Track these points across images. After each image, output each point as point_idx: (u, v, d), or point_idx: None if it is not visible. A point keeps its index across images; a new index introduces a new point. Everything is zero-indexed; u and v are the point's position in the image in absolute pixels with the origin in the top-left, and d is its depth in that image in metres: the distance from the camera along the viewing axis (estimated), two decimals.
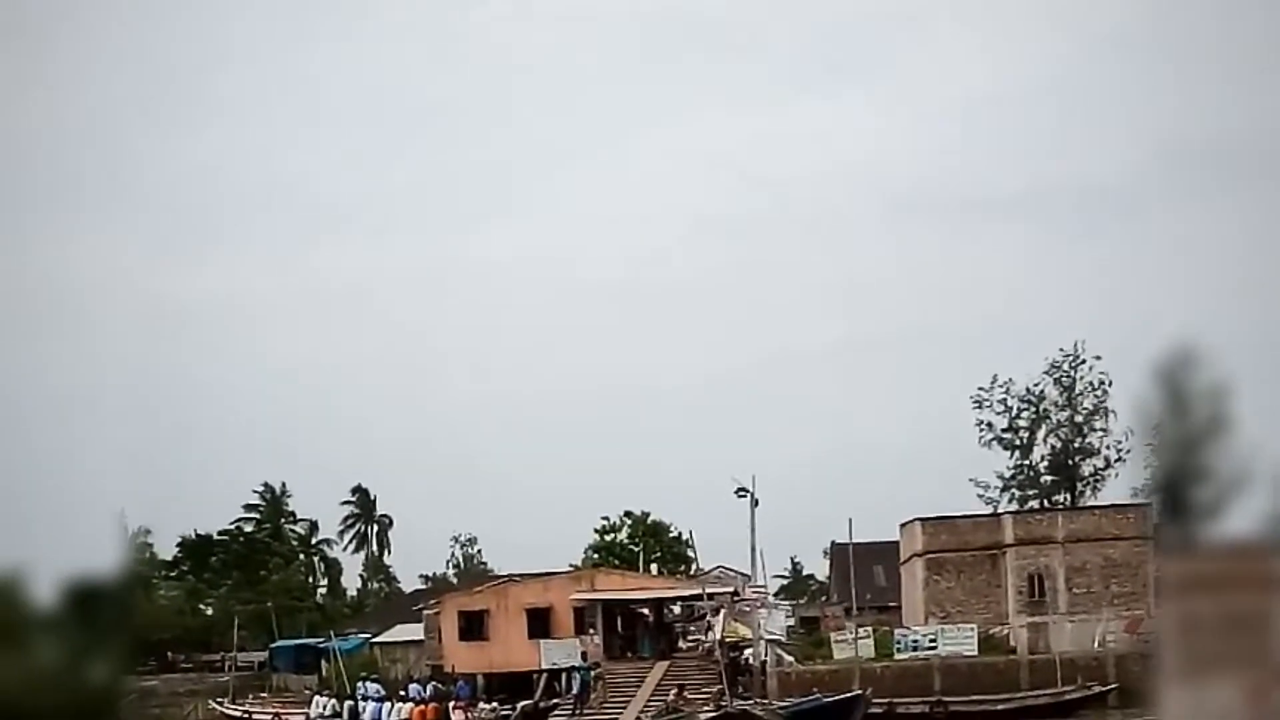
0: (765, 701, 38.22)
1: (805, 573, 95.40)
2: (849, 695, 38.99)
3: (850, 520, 45.18)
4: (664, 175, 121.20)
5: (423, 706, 47.16)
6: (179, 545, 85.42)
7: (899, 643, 45.33)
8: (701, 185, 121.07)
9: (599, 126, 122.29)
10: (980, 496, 68.39)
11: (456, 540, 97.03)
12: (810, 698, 38.92)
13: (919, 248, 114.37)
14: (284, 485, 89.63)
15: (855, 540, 76.58)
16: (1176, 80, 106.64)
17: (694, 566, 43.49)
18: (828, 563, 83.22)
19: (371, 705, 48.05)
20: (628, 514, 75.88)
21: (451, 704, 46.90)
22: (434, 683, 50.38)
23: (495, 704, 46.47)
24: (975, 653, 44.77)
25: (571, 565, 64.86)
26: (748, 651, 43.82)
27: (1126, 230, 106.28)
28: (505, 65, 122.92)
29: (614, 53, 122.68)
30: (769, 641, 42.59)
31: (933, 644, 44.57)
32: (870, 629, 47.06)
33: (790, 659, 43.84)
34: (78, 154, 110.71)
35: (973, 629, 46.53)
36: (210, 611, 79.90)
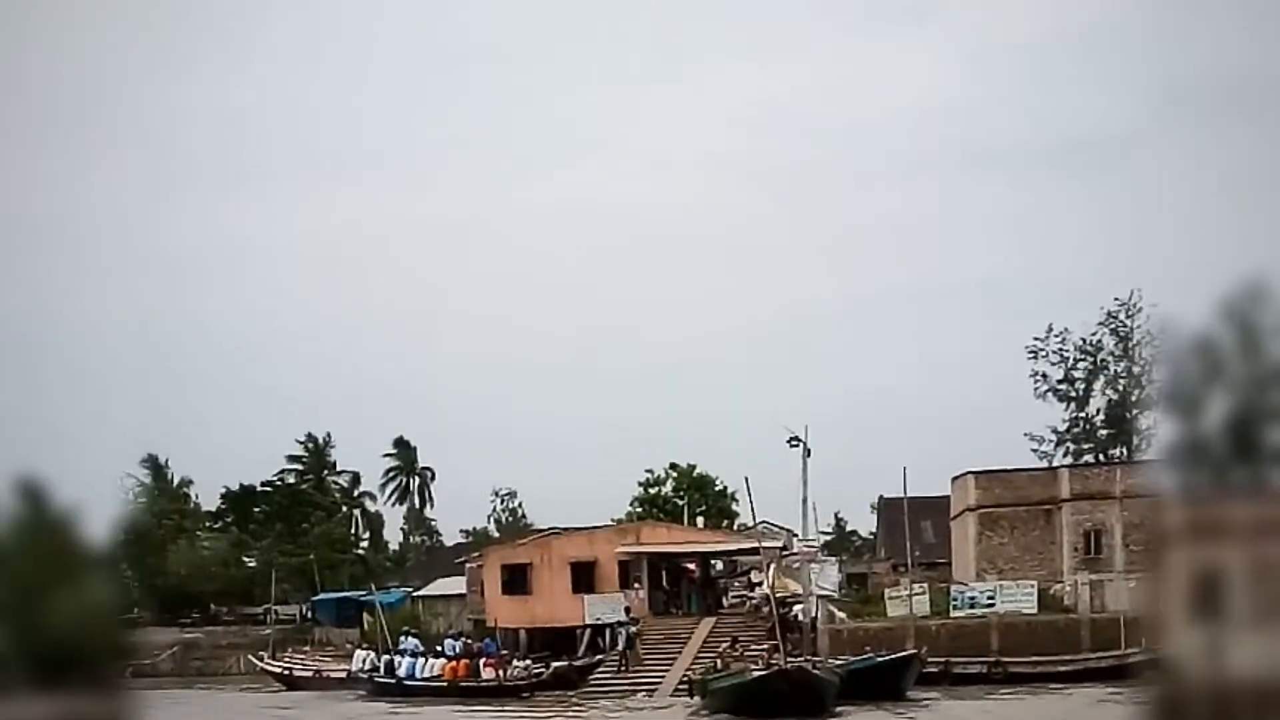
0: (817, 659, 37.10)
1: (849, 529, 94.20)
2: (903, 654, 37.89)
3: (905, 470, 43.84)
4: (715, 120, 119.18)
5: (454, 662, 46.59)
6: (222, 496, 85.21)
7: (955, 599, 44.06)
8: (751, 131, 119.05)
9: (646, 70, 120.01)
10: (1034, 451, 66.83)
11: (497, 494, 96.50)
12: (863, 656, 37.83)
13: (972, 197, 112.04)
14: (328, 436, 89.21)
15: (901, 496, 75.59)
16: (1242, 14, 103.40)
17: (749, 515, 42.35)
18: (875, 518, 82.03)
19: (407, 660, 47.54)
20: (673, 466, 74.83)
21: (482, 660, 46.26)
22: (465, 639, 49.77)
23: (528, 661, 45.73)
24: (1035, 611, 43.42)
25: (614, 520, 63.89)
26: (796, 608, 42.71)
27: (1189, 175, 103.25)
28: (549, 5, 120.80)
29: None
30: (820, 597, 41.47)
31: (990, 601, 43.27)
32: (925, 585, 45.77)
33: (842, 616, 42.70)
34: (104, 94, 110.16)
35: (1033, 586, 45.16)
36: (253, 564, 79.58)
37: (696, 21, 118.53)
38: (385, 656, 48.49)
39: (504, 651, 47.82)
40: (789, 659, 34.27)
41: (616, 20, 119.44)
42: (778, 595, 39.94)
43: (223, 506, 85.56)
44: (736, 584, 54.74)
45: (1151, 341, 65.85)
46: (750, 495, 39.51)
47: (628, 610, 46.65)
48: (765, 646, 37.11)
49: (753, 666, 35.16)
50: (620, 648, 44.13)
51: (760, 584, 46.09)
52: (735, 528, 67.27)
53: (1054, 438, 67.56)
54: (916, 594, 43.68)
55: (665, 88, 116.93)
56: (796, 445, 39.24)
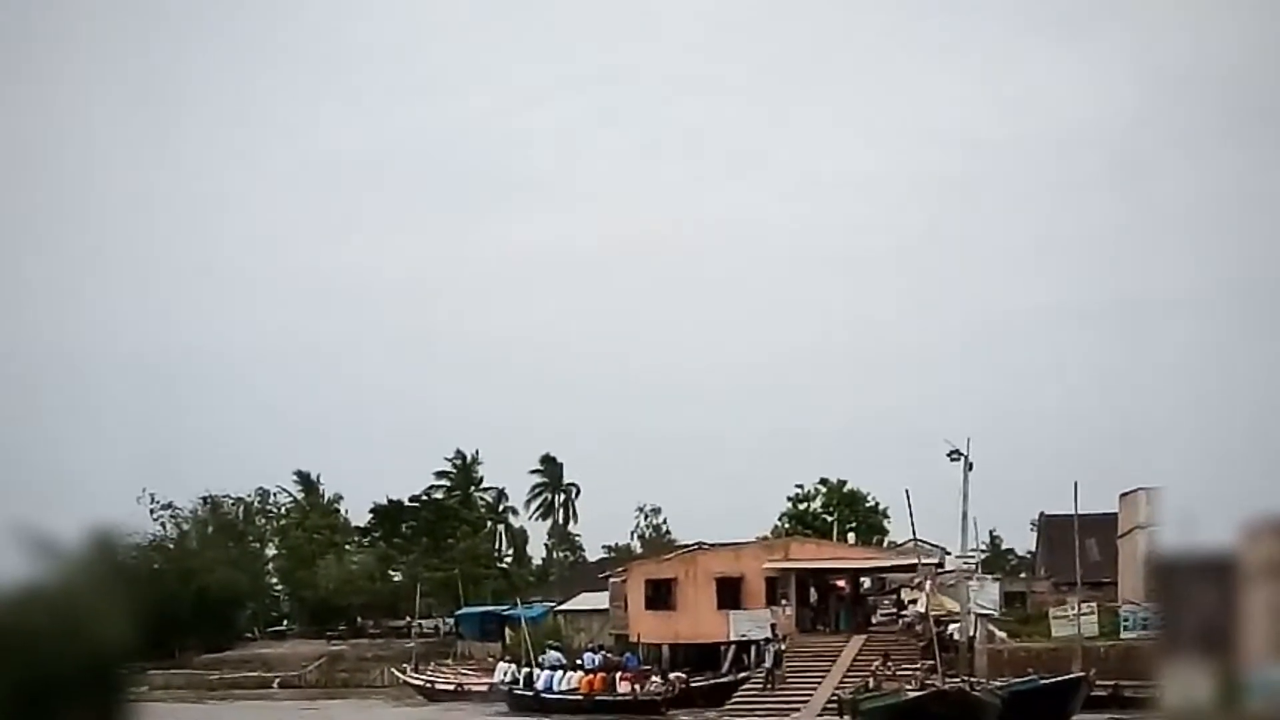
0: (976, 680, 34.91)
1: (1004, 547, 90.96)
2: (1070, 677, 35.47)
3: (1076, 485, 41.39)
4: (880, 136, 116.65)
5: (591, 675, 45.51)
6: (371, 511, 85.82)
7: (1126, 620, 41.34)
8: (917, 146, 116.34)
9: (807, 86, 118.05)
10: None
11: (641, 510, 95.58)
12: (1026, 678, 35.52)
13: (1137, 212, 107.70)
14: (476, 453, 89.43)
15: (1064, 513, 72.33)
16: None
17: (910, 529, 40.27)
18: (1034, 535, 78.91)
19: (545, 673, 46.62)
20: (823, 482, 72.93)
21: (619, 674, 45.07)
22: (605, 652, 48.67)
23: (661, 678, 44.42)
24: None
25: (759, 537, 62.24)
26: (952, 627, 40.52)
27: None
28: (699, 12, 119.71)
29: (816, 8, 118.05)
30: (979, 616, 39.23)
31: None
32: (1093, 605, 43.09)
33: (1002, 635, 40.36)
34: (246, 125, 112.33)
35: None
36: (399, 578, 79.88)
37: (843, 38, 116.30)
38: (525, 670, 47.60)
39: (646, 666, 46.59)
40: (946, 679, 32.21)
41: (764, 38, 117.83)
42: (933, 613, 37.83)
43: (371, 521, 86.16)
44: (886, 602, 52.70)
45: None
46: (911, 509, 37.55)
47: (774, 627, 44.99)
48: (920, 666, 35.09)
49: (907, 686, 33.21)
50: (766, 665, 42.45)
51: (915, 601, 43.97)
52: (884, 545, 65.08)
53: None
54: (1085, 614, 41.06)
55: (812, 107, 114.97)
56: (957, 459, 37.28)
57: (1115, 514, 57.31)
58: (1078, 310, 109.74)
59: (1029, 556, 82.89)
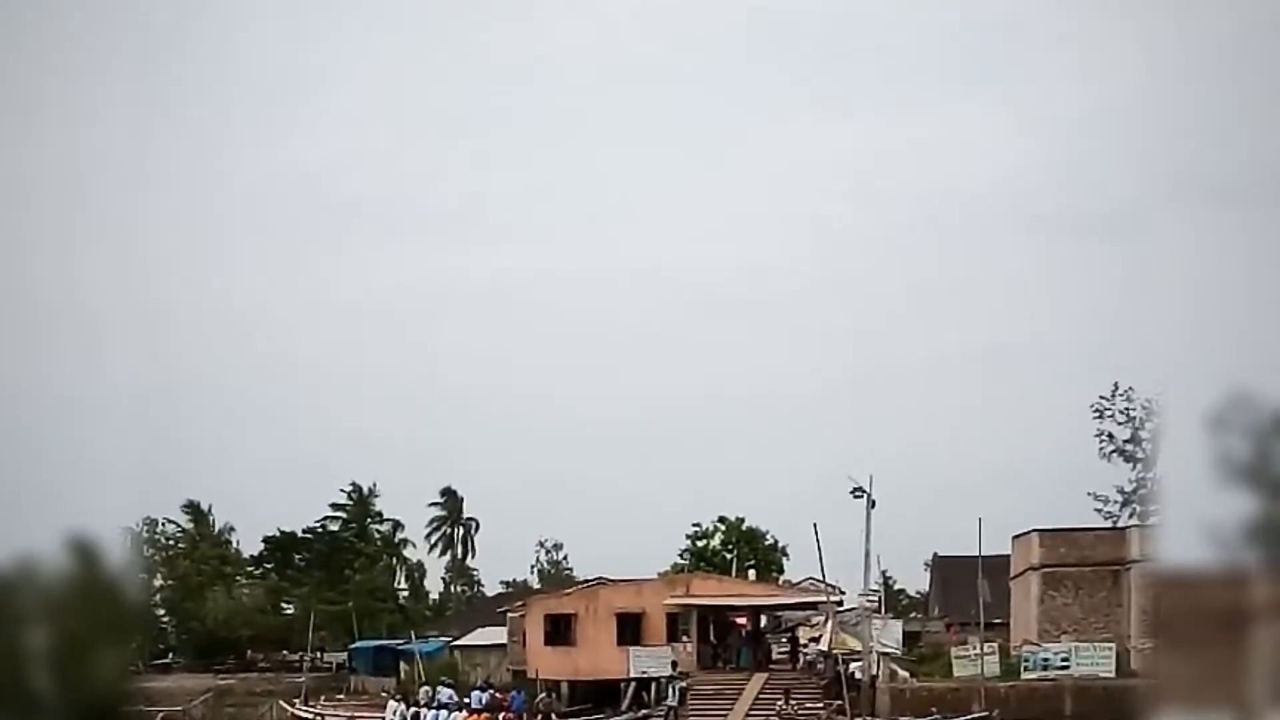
0: (878, 719, 35.11)
1: (897, 587, 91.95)
2: (973, 716, 35.86)
3: (980, 521, 41.94)
4: (780, 183, 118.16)
5: (476, 715, 44.62)
6: (264, 542, 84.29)
7: (1027, 660, 41.82)
8: (817, 195, 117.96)
9: (710, 132, 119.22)
10: (1099, 511, 64.42)
11: (542, 545, 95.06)
12: (929, 717, 35.78)
13: (1035, 261, 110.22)
14: (373, 485, 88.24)
15: (958, 554, 73.24)
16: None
17: (819, 565, 40.36)
18: (927, 576, 79.88)
19: (432, 712, 45.57)
20: (721, 519, 73.14)
21: (503, 714, 44.27)
22: (493, 691, 47.97)
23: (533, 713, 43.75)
24: (1113, 674, 41.07)
25: (659, 573, 62.21)
26: (853, 665, 40.68)
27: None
28: (617, 65, 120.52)
29: (724, 55, 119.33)
30: (882, 655, 39.46)
31: (1065, 663, 41.01)
32: (995, 645, 43.55)
33: (905, 674, 40.63)
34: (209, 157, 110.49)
35: (1110, 648, 42.83)
36: (292, 610, 78.43)
37: (782, 84, 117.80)
38: (412, 710, 46.70)
39: (544, 698, 45.94)
40: (854, 718, 32.35)
41: (664, 86, 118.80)
42: (835, 651, 37.98)
43: (264, 552, 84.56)
44: (783, 639, 52.86)
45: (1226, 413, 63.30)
46: (819, 544, 37.66)
47: (674, 664, 44.82)
48: (824, 705, 35.17)
49: None
50: (668, 702, 42.25)
51: (815, 640, 44.11)
52: (781, 582, 65.43)
53: (1119, 498, 65.18)
54: (987, 654, 41.50)
55: (743, 151, 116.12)
56: (860, 496, 37.58)
57: (1007, 555, 58.21)
58: (959, 355, 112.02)
59: (919, 596, 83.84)
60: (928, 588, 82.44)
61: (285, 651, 72.78)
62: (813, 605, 43.86)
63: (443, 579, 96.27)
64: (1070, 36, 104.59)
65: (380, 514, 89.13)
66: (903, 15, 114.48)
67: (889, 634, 41.44)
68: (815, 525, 38.01)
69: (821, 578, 44.02)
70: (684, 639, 47.19)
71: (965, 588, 73.81)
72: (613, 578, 57.11)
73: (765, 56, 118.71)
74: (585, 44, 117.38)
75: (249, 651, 75.59)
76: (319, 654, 68.42)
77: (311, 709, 54.67)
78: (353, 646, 67.76)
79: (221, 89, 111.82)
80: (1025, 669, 41.46)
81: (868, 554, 37.78)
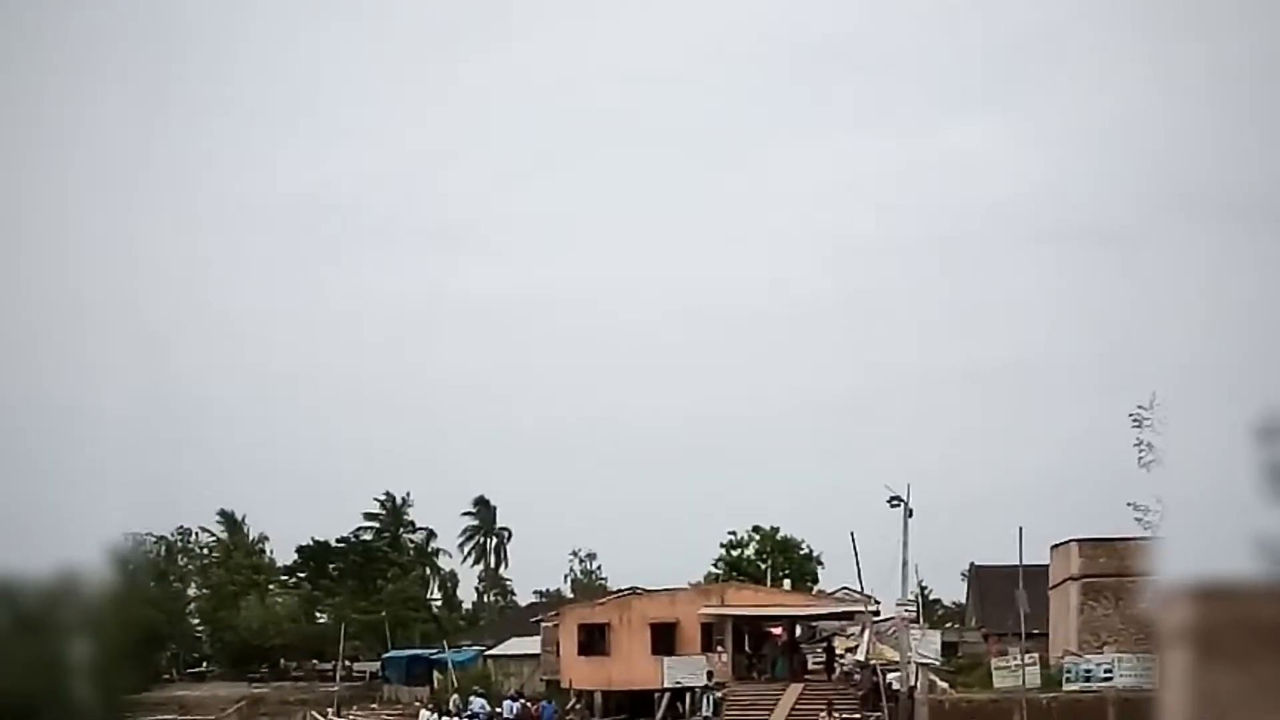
0: None
1: (932, 597, 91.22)
2: None
3: (1020, 531, 41.59)
4: (799, 198, 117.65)
5: None
6: (297, 552, 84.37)
7: (1069, 672, 41.21)
8: (836, 209, 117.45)
9: (728, 149, 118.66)
10: (1139, 520, 63.51)
11: (576, 555, 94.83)
12: None
13: (1055, 275, 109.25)
14: (407, 495, 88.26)
15: (995, 564, 72.50)
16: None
17: (856, 575, 39.85)
18: (965, 585, 79.10)
19: None
20: (756, 529, 72.67)
21: None
22: (524, 700, 47.69)
23: None
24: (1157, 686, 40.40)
25: (692, 583, 61.82)
26: (891, 676, 40.17)
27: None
28: (635, 77, 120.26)
29: (745, 73, 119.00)
30: (920, 665, 38.94)
31: (1108, 675, 40.34)
32: (1036, 656, 42.93)
33: (944, 685, 40.08)
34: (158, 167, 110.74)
35: (1156, 659, 42.17)
36: (325, 619, 78.45)
37: (771, 103, 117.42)
38: (444, 718, 46.52)
39: (575, 705, 45.68)
40: None
41: (686, 95, 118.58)
42: (874, 662, 37.50)
43: (297, 562, 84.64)
44: (819, 649, 52.36)
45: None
46: (857, 552, 37.24)
47: (710, 674, 44.42)
48: (862, 716, 34.69)
49: None
50: (703, 713, 41.86)
51: (852, 650, 43.61)
52: (815, 592, 64.91)
53: (1159, 507, 64.35)
54: (1028, 664, 40.86)
55: (739, 170, 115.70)
56: (898, 505, 37.20)
57: (1046, 565, 57.52)
58: (990, 367, 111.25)
59: (955, 607, 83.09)
60: (964, 598, 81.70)
61: (318, 661, 72.72)
62: (849, 615, 43.35)
63: (476, 589, 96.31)
64: (1082, 52, 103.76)
65: (413, 524, 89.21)
66: (917, 33, 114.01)
67: (927, 644, 40.90)
68: (853, 534, 37.61)
69: (860, 587, 43.54)
70: (719, 649, 46.80)
71: (1003, 598, 72.80)
72: (647, 587, 56.77)
73: (782, 72, 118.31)
74: (603, 59, 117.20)
75: (282, 660, 75.63)
76: (352, 663, 68.32)
77: (343, 718, 54.58)
78: (386, 656, 67.65)
79: (220, 101, 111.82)
80: (1067, 680, 40.83)
81: (905, 563, 37.37)
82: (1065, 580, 52.49)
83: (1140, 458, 64.93)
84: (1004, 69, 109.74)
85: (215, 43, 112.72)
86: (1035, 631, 58.56)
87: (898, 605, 40.34)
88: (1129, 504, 65.29)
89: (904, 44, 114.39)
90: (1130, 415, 65.35)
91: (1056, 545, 54.39)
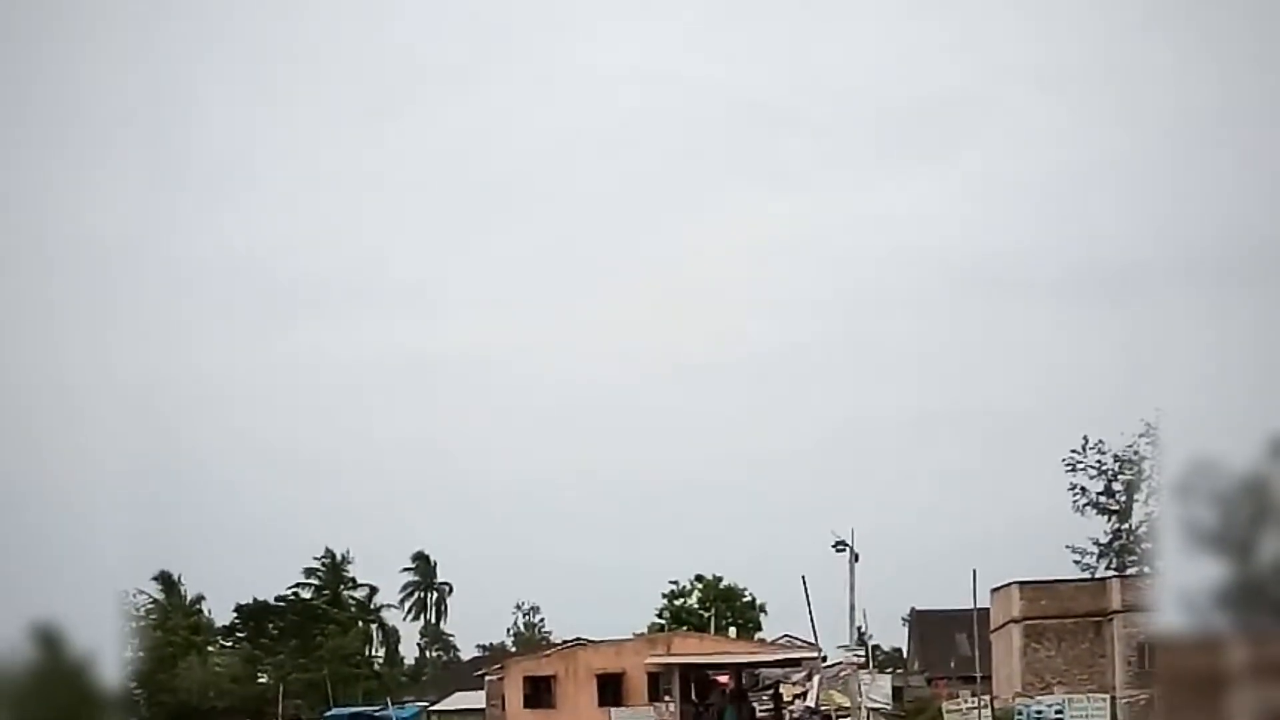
0: None
1: (872, 642, 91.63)
2: None
3: (975, 573, 41.95)
4: (742, 253, 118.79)
5: None
6: (236, 611, 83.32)
7: (1020, 713, 41.70)
8: (768, 265, 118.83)
9: (663, 210, 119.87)
10: (1077, 563, 64.47)
11: (519, 608, 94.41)
12: None
13: (984, 326, 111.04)
14: (346, 552, 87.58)
15: (934, 608, 73.08)
16: (1245, 163, 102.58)
17: (809, 621, 39.85)
18: (905, 631, 79.65)
19: None
20: (698, 578, 72.84)
21: None
22: None
23: None
24: None
25: (635, 634, 61.79)
26: None
27: (1200, 311, 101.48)
28: (570, 137, 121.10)
29: (661, 133, 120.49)
30: (871, 710, 39.20)
31: (1059, 715, 40.86)
32: (988, 699, 43.37)
33: None
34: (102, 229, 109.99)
35: (1105, 699, 42.74)
36: (266, 679, 77.43)
37: (712, 153, 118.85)
38: None
39: None
40: None
41: (626, 149, 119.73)
42: (822, 707, 37.71)
43: (236, 621, 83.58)
44: (765, 697, 52.45)
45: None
46: (809, 599, 37.44)
47: None
48: None
49: None
50: None
51: (801, 695, 43.75)
52: (757, 640, 65.13)
53: (1096, 550, 65.28)
54: (981, 707, 41.31)
55: (676, 231, 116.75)
56: (843, 550, 37.46)
57: (986, 609, 58.11)
58: (938, 415, 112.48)
59: (894, 653, 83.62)
60: (904, 643, 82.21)
61: None
62: (797, 661, 43.52)
63: (418, 644, 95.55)
64: (1014, 108, 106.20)
65: (354, 580, 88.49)
66: (895, 76, 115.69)
67: (877, 689, 41.20)
68: (804, 578, 37.87)
69: (813, 633, 43.78)
70: (666, 699, 46.79)
71: (943, 642, 73.29)
72: (591, 638, 56.66)
73: (719, 132, 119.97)
74: (541, 120, 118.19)
75: None
76: None
77: None
78: (328, 714, 66.78)
79: (155, 164, 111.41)
80: None
81: (852, 607, 37.65)
82: (1008, 623, 53.03)
83: (1075, 501, 66.26)
84: (987, 112, 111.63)
85: (154, 105, 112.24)
86: (974, 675, 59.22)
87: (845, 650, 40.63)
88: (1067, 546, 66.36)
89: (886, 84, 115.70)
90: (1063, 460, 66.72)
91: (997, 588, 54.96)
